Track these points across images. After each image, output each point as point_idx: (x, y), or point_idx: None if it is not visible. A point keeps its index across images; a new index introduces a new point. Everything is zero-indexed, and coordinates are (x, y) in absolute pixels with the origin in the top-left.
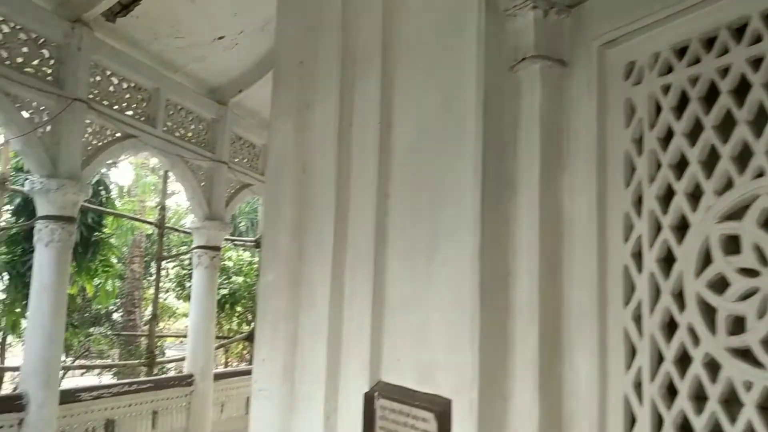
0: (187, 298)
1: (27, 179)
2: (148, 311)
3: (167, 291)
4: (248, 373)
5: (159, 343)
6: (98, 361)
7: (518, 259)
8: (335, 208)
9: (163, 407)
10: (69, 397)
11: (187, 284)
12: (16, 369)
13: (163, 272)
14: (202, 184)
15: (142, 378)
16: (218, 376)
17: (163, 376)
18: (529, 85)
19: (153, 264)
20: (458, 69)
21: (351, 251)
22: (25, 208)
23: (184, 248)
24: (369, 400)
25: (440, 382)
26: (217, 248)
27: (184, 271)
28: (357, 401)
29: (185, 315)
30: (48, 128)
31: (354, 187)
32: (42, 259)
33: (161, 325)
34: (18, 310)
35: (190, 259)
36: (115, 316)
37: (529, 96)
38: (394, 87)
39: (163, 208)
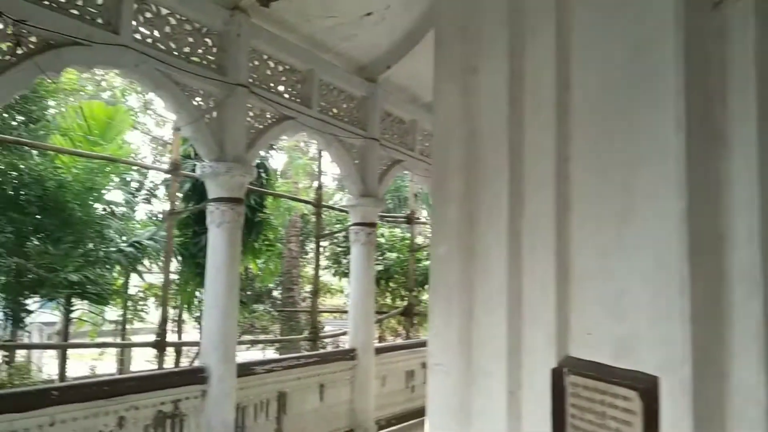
0: (343, 274)
1: (195, 165)
2: (306, 288)
3: (324, 268)
4: (408, 347)
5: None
6: (262, 336)
7: (732, 222)
8: (509, 174)
9: (329, 380)
10: (245, 370)
11: (343, 261)
12: (193, 344)
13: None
14: (356, 162)
15: (310, 353)
16: (378, 351)
17: (328, 350)
18: (739, 23)
19: (309, 243)
20: (650, 11)
21: (528, 219)
22: (194, 193)
23: (338, 226)
24: (558, 376)
25: (643, 358)
26: (372, 225)
27: (339, 249)
28: (543, 377)
29: (341, 291)
30: (214, 114)
31: (529, 152)
32: (215, 240)
33: (319, 301)
34: (190, 289)
35: (345, 236)
36: (275, 293)
37: (739, 36)
38: (572, 41)
39: (319, 188)
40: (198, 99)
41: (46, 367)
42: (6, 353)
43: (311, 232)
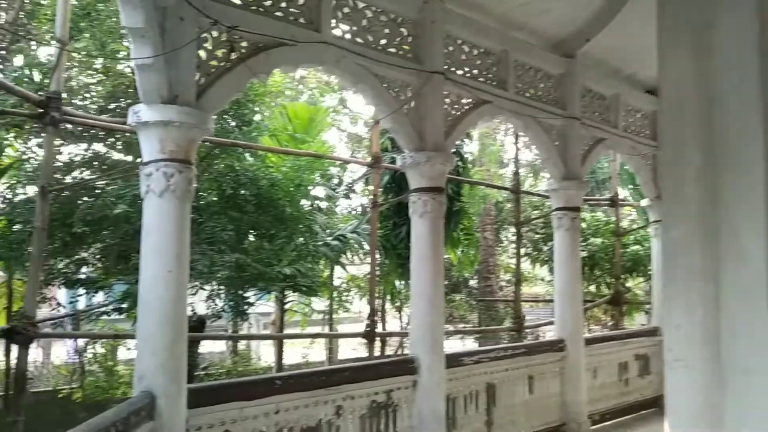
0: (544, 262)
1: (395, 157)
2: (501, 277)
3: (522, 256)
4: (618, 338)
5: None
6: (461, 326)
7: None
8: (764, 141)
9: (537, 372)
10: (453, 361)
11: (543, 248)
12: (400, 334)
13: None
14: (556, 143)
15: (516, 343)
16: (587, 342)
17: (536, 341)
18: None
19: (503, 231)
20: None
21: None
22: (393, 185)
23: (535, 213)
24: None
25: None
26: (576, 209)
27: (537, 235)
28: None
29: (541, 279)
30: (412, 104)
31: None
32: (418, 230)
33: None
34: (392, 279)
35: (545, 222)
36: (471, 282)
37: None
38: None
39: (516, 173)
40: (395, 90)
41: (264, 355)
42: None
43: (505, 220)
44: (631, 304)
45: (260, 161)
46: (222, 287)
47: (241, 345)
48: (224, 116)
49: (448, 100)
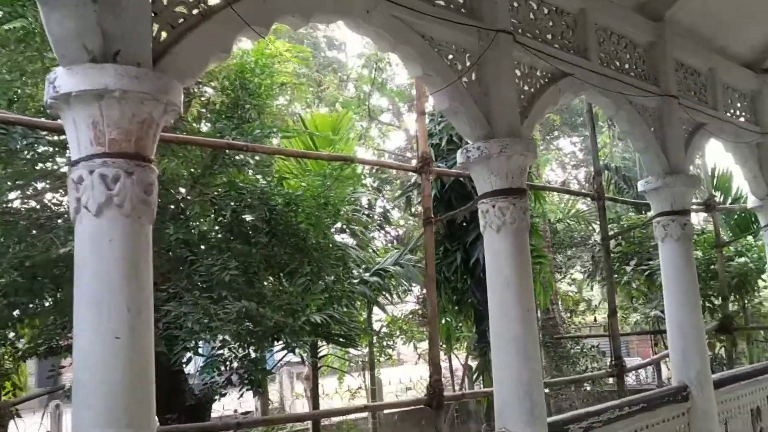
0: (625, 286)
1: (440, 166)
2: (562, 307)
3: (573, 279)
4: (749, 376)
5: (581, 345)
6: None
7: None
8: None
9: None
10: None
11: (626, 268)
12: (474, 395)
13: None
14: (652, 129)
15: (630, 398)
16: (715, 385)
17: (655, 390)
18: None
19: (560, 252)
20: None
21: None
22: (441, 200)
23: (614, 227)
24: None
25: None
26: (686, 212)
27: (614, 254)
28: None
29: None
30: (473, 76)
31: None
32: (495, 249)
33: (576, 319)
34: (449, 319)
35: (623, 238)
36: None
37: None
38: None
39: (598, 174)
40: (449, 56)
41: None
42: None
43: (563, 241)
44: (746, 329)
45: (271, 175)
46: (227, 348)
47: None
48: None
49: (518, 72)
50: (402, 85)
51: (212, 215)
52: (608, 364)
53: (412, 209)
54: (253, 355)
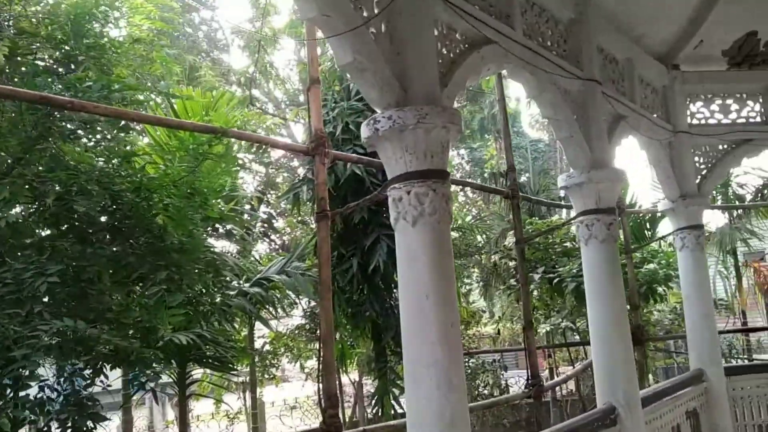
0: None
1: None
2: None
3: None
4: (668, 392)
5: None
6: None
7: None
8: None
9: None
10: None
11: (534, 276)
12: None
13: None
14: (574, 116)
15: (554, 428)
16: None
17: (578, 417)
18: None
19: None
20: None
21: None
22: (339, 192)
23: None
24: None
25: None
26: (611, 210)
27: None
28: None
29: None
30: (382, 27)
31: None
32: (409, 247)
33: (470, 332)
34: (343, 335)
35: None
36: None
37: None
38: None
39: (512, 169)
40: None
41: None
42: None
43: (458, 250)
44: (657, 340)
45: (117, 154)
46: (43, 384)
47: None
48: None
49: (435, 32)
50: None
51: (27, 199)
52: (524, 383)
53: (301, 211)
54: (81, 388)
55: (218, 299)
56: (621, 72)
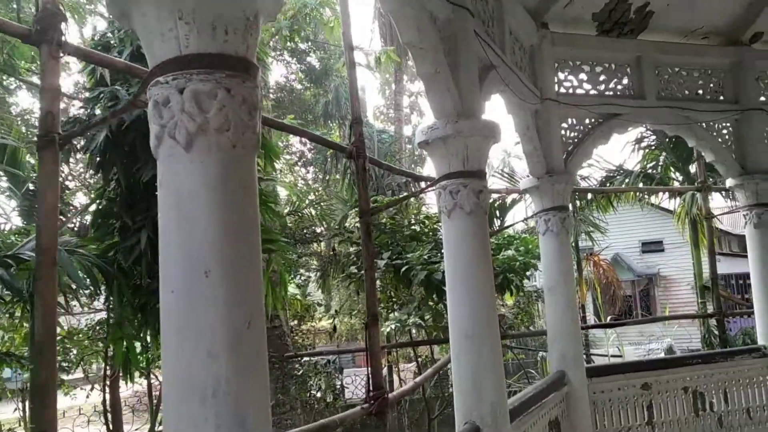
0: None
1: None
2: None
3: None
4: (539, 398)
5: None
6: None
7: None
8: None
9: None
10: None
11: (378, 263)
12: None
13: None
14: (442, 48)
15: None
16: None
17: None
18: None
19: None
20: None
21: None
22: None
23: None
24: None
25: None
26: (481, 174)
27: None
28: None
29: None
30: None
31: None
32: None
33: (304, 327)
34: (126, 333)
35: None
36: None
37: None
38: None
39: (358, 122)
40: None
41: None
42: None
43: (294, 235)
44: (519, 336)
45: None
46: None
47: None
48: None
49: None
50: None
51: None
52: (365, 391)
53: None
54: None
55: None
56: (491, 15)
